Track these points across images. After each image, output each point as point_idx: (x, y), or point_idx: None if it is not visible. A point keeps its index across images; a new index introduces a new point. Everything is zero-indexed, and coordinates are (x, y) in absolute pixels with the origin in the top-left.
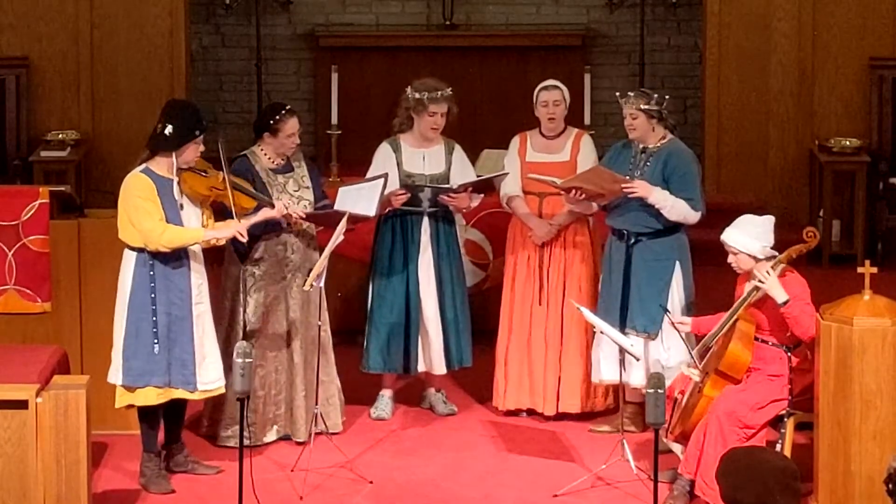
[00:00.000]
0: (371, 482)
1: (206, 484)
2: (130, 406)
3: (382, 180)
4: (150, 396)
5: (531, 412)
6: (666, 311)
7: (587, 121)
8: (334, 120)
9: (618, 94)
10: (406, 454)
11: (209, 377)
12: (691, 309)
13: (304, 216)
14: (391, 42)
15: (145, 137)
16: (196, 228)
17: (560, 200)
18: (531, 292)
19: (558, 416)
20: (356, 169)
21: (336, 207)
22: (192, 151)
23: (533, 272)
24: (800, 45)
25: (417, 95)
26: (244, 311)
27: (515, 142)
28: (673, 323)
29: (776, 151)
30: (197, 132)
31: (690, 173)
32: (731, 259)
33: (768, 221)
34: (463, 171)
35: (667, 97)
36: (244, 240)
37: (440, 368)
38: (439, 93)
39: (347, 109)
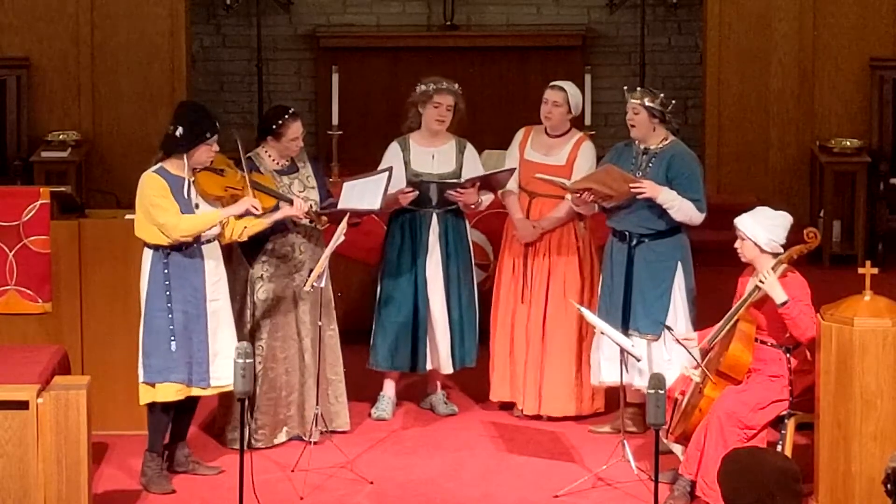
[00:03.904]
0: (371, 482)
1: (206, 484)
2: (153, 403)
3: (387, 174)
4: (170, 393)
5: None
6: (669, 329)
7: (587, 121)
8: (335, 120)
9: (625, 87)
10: (406, 454)
11: (222, 373)
12: (693, 309)
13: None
14: (392, 43)
15: (146, 138)
16: (212, 211)
17: (550, 204)
18: (514, 290)
19: (537, 416)
20: (357, 169)
21: (340, 202)
22: (204, 153)
23: (517, 270)
24: (800, 45)
25: (423, 87)
26: (252, 313)
27: (519, 135)
28: (678, 340)
29: (776, 152)
30: (208, 134)
31: (695, 175)
32: (737, 244)
33: (783, 217)
34: (475, 172)
35: (673, 101)
36: (258, 212)
37: (447, 368)
38: (444, 84)
39: (348, 110)
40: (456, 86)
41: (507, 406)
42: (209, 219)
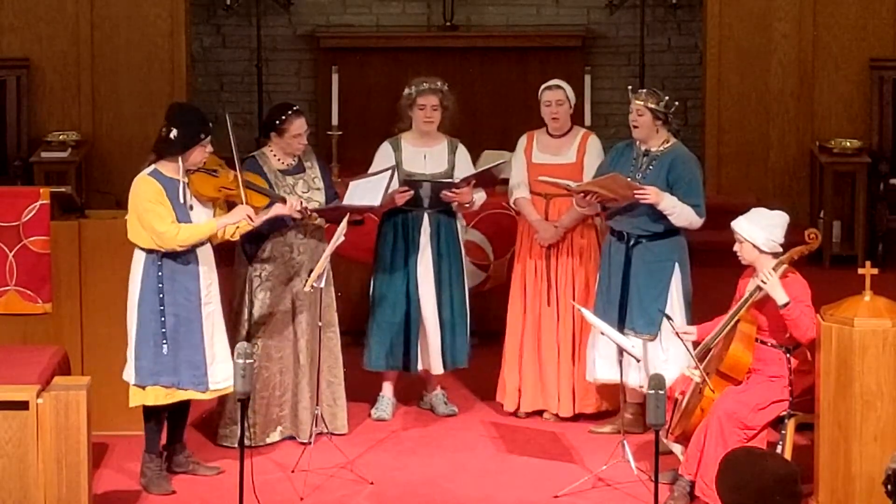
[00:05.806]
0: (371, 483)
1: (206, 485)
2: (142, 405)
3: (390, 172)
4: (160, 396)
5: (539, 412)
6: (669, 319)
7: (587, 122)
8: (335, 121)
9: (629, 87)
10: (406, 454)
11: (220, 376)
12: (689, 310)
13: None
14: (392, 43)
15: (146, 138)
16: (208, 221)
17: (567, 202)
18: (539, 293)
19: (575, 416)
20: (357, 169)
21: (345, 201)
22: (199, 154)
23: (540, 273)
24: (800, 45)
25: (407, 90)
26: (250, 312)
27: (522, 141)
28: (677, 333)
29: (776, 152)
30: (202, 135)
31: (696, 179)
32: (736, 247)
33: (780, 217)
34: (466, 171)
35: (676, 103)
36: (254, 223)
37: (438, 368)
38: (425, 85)
39: (348, 110)
40: (439, 83)
41: (524, 413)
42: (206, 229)
